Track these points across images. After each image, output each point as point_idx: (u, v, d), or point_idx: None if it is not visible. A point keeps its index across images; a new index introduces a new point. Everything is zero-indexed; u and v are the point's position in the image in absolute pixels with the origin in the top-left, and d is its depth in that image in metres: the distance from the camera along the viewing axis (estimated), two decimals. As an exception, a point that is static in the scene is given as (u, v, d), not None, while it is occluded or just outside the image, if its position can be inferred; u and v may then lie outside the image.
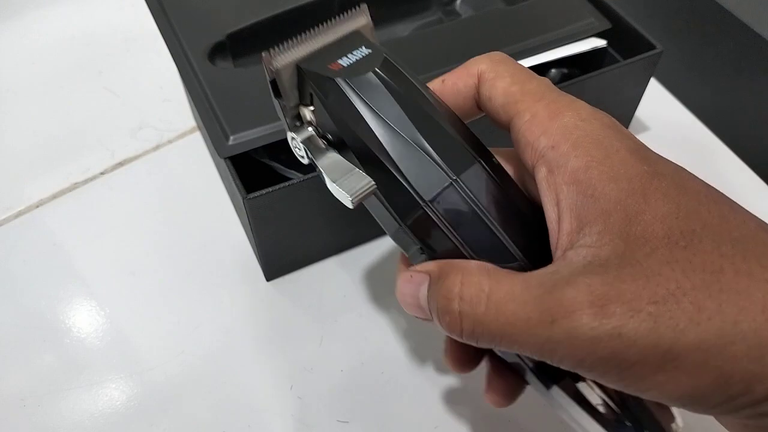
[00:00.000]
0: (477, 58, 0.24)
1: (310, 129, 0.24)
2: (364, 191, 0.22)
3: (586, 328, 0.17)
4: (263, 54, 0.22)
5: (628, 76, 0.41)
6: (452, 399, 0.35)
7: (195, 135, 0.47)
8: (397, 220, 0.22)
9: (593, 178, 0.19)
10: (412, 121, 0.22)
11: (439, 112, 0.22)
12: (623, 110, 0.45)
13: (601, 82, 0.40)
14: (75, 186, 0.44)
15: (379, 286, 0.39)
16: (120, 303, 0.38)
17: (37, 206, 0.43)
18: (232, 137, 0.34)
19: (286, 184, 0.33)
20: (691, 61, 0.49)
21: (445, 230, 0.21)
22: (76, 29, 0.55)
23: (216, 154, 0.35)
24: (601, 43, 0.41)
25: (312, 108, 0.23)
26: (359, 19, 0.24)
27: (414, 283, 0.22)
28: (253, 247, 0.39)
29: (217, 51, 0.39)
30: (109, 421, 0.33)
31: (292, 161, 0.38)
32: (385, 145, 0.21)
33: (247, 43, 0.40)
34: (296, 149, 0.24)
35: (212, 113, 0.35)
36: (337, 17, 0.23)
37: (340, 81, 0.22)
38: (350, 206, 0.22)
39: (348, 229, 0.40)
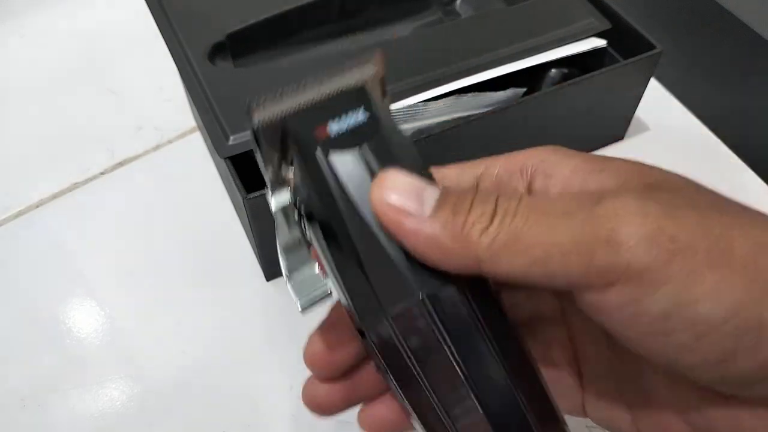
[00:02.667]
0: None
1: (286, 193, 0.21)
2: (316, 299, 0.20)
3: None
4: (250, 104, 0.19)
5: (628, 76, 0.41)
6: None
7: (195, 135, 0.47)
8: (357, 322, 0.19)
9: (596, 162, 0.20)
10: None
11: None
12: (623, 110, 0.45)
13: (601, 82, 0.40)
14: (75, 186, 0.44)
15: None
16: (120, 303, 0.38)
17: (37, 206, 0.43)
18: (231, 137, 0.34)
19: (286, 184, 0.33)
20: (691, 61, 0.49)
21: (405, 356, 0.18)
22: (76, 29, 0.55)
23: (216, 153, 0.35)
24: (601, 43, 0.41)
25: (292, 168, 0.20)
26: (368, 69, 0.20)
27: (420, 180, 0.18)
28: (253, 247, 0.39)
29: (217, 51, 0.39)
30: (108, 421, 0.33)
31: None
32: (353, 239, 0.18)
33: (247, 43, 0.40)
34: (272, 209, 0.22)
35: (212, 113, 0.35)
36: (346, 63, 0.20)
37: (318, 154, 0.19)
38: (299, 310, 0.20)
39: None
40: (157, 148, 0.46)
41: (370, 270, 0.18)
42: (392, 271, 0.18)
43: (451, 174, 0.22)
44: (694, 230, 0.16)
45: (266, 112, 0.20)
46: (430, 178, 0.19)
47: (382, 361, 0.19)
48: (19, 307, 0.38)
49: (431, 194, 0.17)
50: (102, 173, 0.45)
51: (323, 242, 0.19)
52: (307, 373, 0.36)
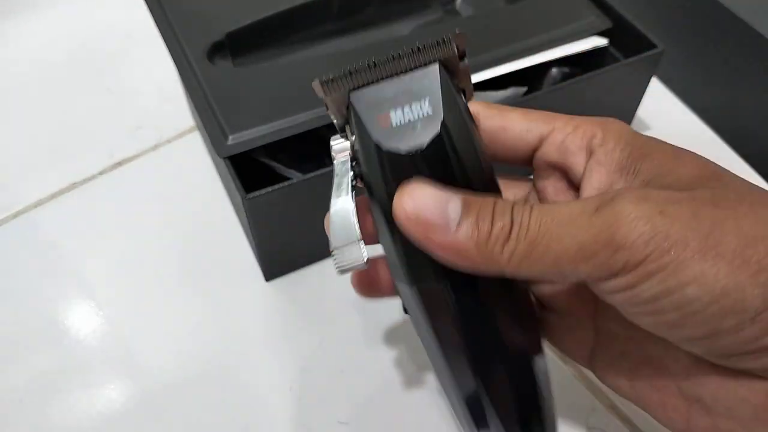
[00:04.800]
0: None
1: (348, 152, 0.22)
2: (353, 267, 0.21)
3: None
4: (316, 80, 0.20)
5: (629, 75, 0.41)
6: (453, 400, 0.34)
7: (194, 134, 0.47)
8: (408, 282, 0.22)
9: (637, 157, 0.21)
10: None
11: None
12: (624, 109, 0.45)
13: (602, 81, 0.40)
14: (74, 186, 0.44)
15: (379, 287, 0.39)
16: (119, 303, 0.38)
17: (36, 206, 0.43)
18: (231, 137, 0.34)
19: (286, 184, 0.33)
20: (693, 60, 0.49)
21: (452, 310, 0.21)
22: (74, 29, 0.54)
23: (215, 153, 0.35)
24: (602, 42, 0.41)
25: (354, 138, 0.21)
26: (446, 49, 0.20)
27: (443, 194, 0.19)
28: (252, 247, 0.39)
29: (217, 50, 0.39)
30: (108, 422, 0.33)
31: (292, 161, 0.38)
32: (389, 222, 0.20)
33: (247, 42, 0.40)
34: (333, 151, 0.23)
35: (211, 113, 0.35)
36: (425, 40, 0.20)
37: (375, 140, 0.20)
38: (337, 273, 0.22)
39: (348, 229, 0.39)
40: (156, 147, 0.46)
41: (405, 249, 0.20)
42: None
43: (515, 124, 0.23)
44: (687, 225, 0.18)
45: (333, 89, 0.20)
46: (486, 182, 0.21)
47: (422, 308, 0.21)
48: (17, 306, 0.38)
49: (455, 207, 0.19)
50: (101, 173, 0.44)
51: (377, 212, 0.21)
52: (307, 374, 0.36)
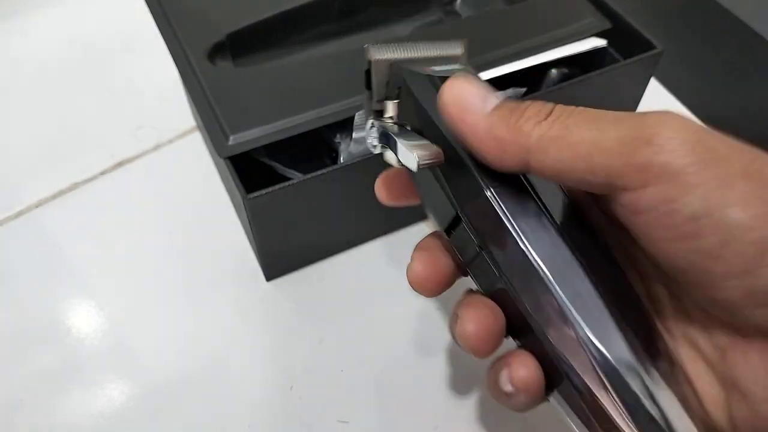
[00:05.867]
0: None
1: (389, 121, 0.24)
2: (432, 159, 0.21)
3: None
4: (366, 45, 0.23)
5: (628, 75, 0.41)
6: (452, 399, 0.35)
7: (195, 135, 0.47)
8: (455, 206, 0.22)
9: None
10: None
11: None
12: (623, 110, 0.45)
13: (601, 82, 0.40)
14: (75, 186, 0.44)
15: (379, 286, 0.39)
16: (120, 303, 0.38)
17: (37, 206, 0.43)
18: (231, 137, 0.34)
19: (286, 184, 0.33)
20: (692, 60, 0.49)
21: (506, 222, 0.20)
22: (76, 29, 0.55)
23: (216, 153, 0.35)
24: (601, 42, 0.41)
25: (397, 101, 0.24)
26: (456, 48, 0.24)
27: (487, 88, 0.20)
28: (253, 247, 0.39)
29: (217, 51, 0.39)
30: (108, 421, 0.33)
31: (292, 161, 0.38)
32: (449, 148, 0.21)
33: (247, 43, 0.40)
34: (371, 137, 0.25)
35: (212, 113, 0.35)
36: (438, 42, 0.24)
37: (434, 78, 0.22)
38: (414, 168, 0.21)
39: (348, 229, 0.40)
40: (156, 148, 0.46)
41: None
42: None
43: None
44: (732, 147, 0.17)
45: (379, 53, 0.23)
46: None
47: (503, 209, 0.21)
48: (18, 306, 0.38)
49: (494, 98, 0.20)
50: (102, 173, 0.45)
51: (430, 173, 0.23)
52: (307, 373, 0.36)
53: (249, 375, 0.35)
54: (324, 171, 0.33)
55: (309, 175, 0.33)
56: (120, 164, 0.45)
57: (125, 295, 0.38)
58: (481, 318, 0.21)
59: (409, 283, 0.24)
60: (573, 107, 0.19)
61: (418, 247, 0.24)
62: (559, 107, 0.19)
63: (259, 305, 0.38)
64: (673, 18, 0.50)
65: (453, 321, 0.23)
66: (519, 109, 0.19)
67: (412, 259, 0.24)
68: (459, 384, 0.35)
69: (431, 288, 0.24)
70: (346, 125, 0.36)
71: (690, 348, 0.21)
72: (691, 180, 0.16)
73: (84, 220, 0.42)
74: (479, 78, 0.21)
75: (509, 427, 0.34)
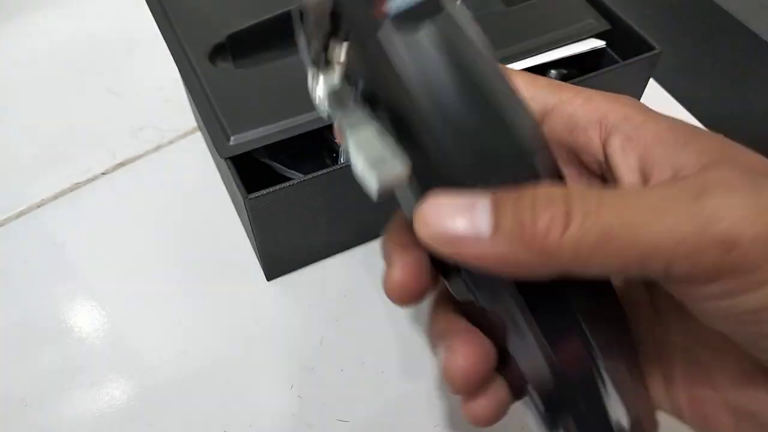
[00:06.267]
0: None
1: (336, 73, 0.19)
2: (393, 182, 0.17)
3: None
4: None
5: (627, 76, 0.41)
6: (452, 399, 0.35)
7: (196, 135, 0.47)
8: None
9: (680, 133, 0.18)
10: (470, 102, 0.17)
11: (508, 95, 0.18)
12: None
13: (600, 83, 0.40)
14: (76, 186, 0.44)
15: (379, 286, 0.39)
16: (120, 303, 0.38)
17: (39, 206, 0.43)
18: (232, 138, 0.34)
19: (286, 184, 0.33)
20: (690, 62, 0.49)
21: None
22: (77, 30, 0.55)
23: (216, 154, 0.35)
24: (600, 43, 0.41)
25: (346, 45, 0.19)
26: None
27: (465, 199, 0.16)
28: (253, 247, 0.40)
29: (218, 52, 0.39)
30: (109, 421, 0.34)
31: (293, 161, 0.38)
32: (428, 120, 0.17)
33: (247, 43, 0.40)
34: (316, 98, 0.20)
35: (213, 114, 0.35)
36: None
37: (382, 35, 0.17)
38: (374, 198, 0.18)
39: (348, 229, 0.40)
40: (157, 148, 0.46)
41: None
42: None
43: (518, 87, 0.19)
44: None
45: None
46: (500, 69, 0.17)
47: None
48: (20, 306, 0.38)
49: (483, 209, 0.16)
50: (103, 173, 0.45)
51: (390, 128, 0.18)
52: (308, 373, 0.36)
53: (249, 374, 0.35)
54: (324, 171, 0.34)
55: (309, 175, 0.33)
56: (121, 164, 0.45)
57: (126, 295, 0.39)
58: (472, 357, 0.19)
59: (387, 291, 0.20)
60: (589, 190, 0.16)
61: (393, 245, 0.20)
62: (576, 199, 0.15)
63: (260, 305, 0.38)
64: (672, 19, 0.50)
65: (436, 340, 0.21)
66: (527, 219, 0.15)
67: (390, 263, 0.20)
68: (458, 383, 0.35)
69: (414, 296, 0.20)
70: (346, 126, 0.36)
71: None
72: (763, 278, 0.15)
73: (85, 220, 0.42)
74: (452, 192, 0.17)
75: (509, 427, 0.34)
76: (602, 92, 0.20)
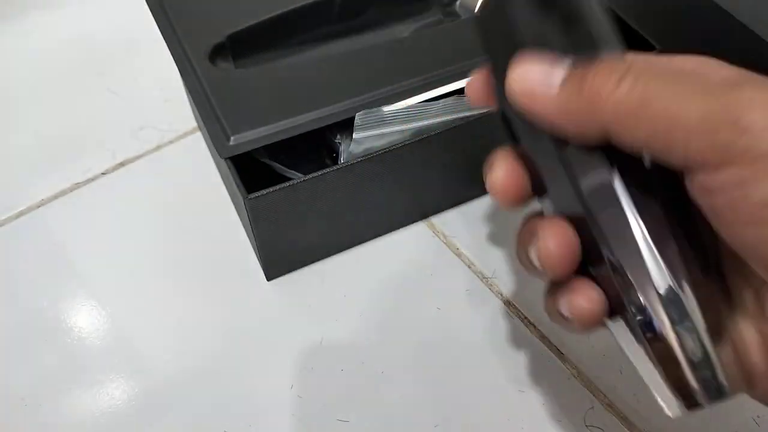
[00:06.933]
0: None
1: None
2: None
3: None
4: None
5: (627, 76, 0.41)
6: (452, 398, 0.35)
7: (196, 135, 0.47)
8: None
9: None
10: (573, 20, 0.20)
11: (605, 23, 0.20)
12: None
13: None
14: (76, 186, 0.44)
15: (379, 286, 0.39)
16: (121, 303, 0.38)
17: (39, 206, 0.43)
18: (232, 138, 0.34)
19: (287, 184, 0.33)
20: (691, 62, 0.49)
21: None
22: (77, 30, 0.55)
23: (217, 154, 0.35)
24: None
25: None
26: None
27: (549, 61, 0.19)
28: (253, 247, 0.40)
29: (218, 52, 0.39)
30: (109, 421, 0.34)
31: (293, 161, 0.38)
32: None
33: (248, 44, 0.40)
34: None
35: (213, 114, 0.35)
36: None
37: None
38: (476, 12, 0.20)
39: (348, 229, 0.40)
40: (158, 148, 0.46)
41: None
42: None
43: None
44: None
45: None
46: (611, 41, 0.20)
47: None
48: (20, 306, 0.38)
49: (560, 69, 0.19)
50: (103, 173, 0.45)
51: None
52: (307, 373, 0.36)
53: (249, 374, 0.35)
54: (324, 171, 0.34)
55: (309, 175, 0.33)
56: (121, 164, 0.45)
57: (126, 295, 0.39)
58: (562, 237, 0.21)
59: (490, 189, 0.23)
60: (649, 64, 0.18)
61: (498, 157, 0.23)
62: (635, 66, 0.18)
63: (260, 305, 0.38)
64: (671, 19, 0.50)
65: (527, 242, 0.22)
66: (589, 74, 0.18)
67: (491, 167, 0.23)
68: (459, 383, 0.35)
69: (512, 198, 0.23)
70: (346, 125, 0.36)
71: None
72: None
73: (86, 220, 0.42)
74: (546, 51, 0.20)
75: (509, 427, 0.34)
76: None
